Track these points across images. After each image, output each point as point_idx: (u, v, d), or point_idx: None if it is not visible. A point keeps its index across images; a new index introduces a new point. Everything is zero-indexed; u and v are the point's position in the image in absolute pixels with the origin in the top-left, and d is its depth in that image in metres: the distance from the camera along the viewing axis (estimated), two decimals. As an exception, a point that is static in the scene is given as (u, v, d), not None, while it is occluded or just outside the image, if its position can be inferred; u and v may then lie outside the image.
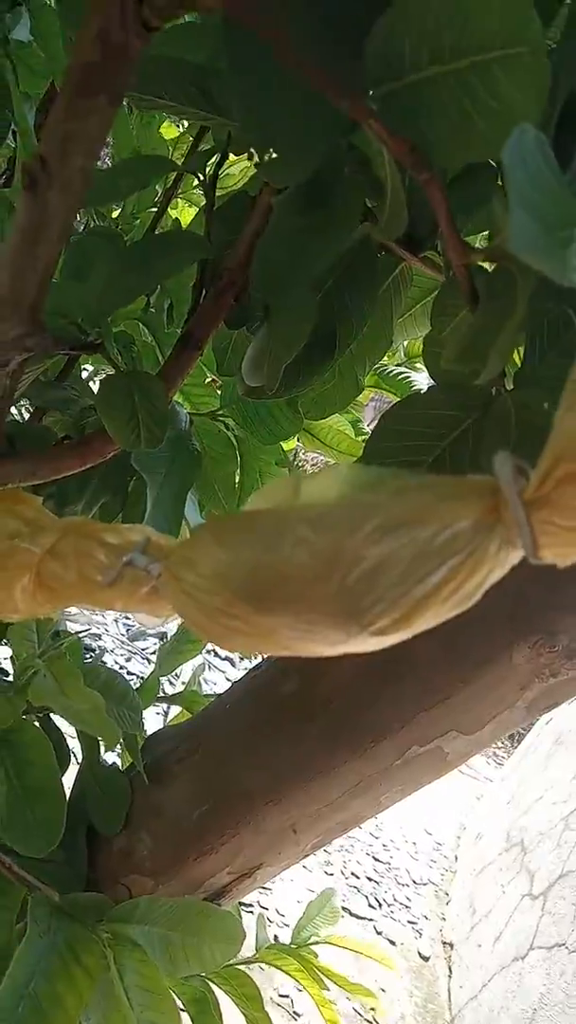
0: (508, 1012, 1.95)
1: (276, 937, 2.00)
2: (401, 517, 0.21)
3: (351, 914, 2.45)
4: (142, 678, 1.41)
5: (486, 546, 0.21)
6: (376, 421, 0.44)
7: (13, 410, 0.62)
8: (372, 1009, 1.99)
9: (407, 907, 2.62)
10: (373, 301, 0.53)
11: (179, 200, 1.11)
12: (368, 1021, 2.00)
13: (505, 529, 0.21)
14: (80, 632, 0.73)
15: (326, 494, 0.24)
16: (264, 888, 2.32)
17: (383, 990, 2.14)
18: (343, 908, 2.45)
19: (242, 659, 3.47)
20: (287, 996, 1.93)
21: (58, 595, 0.34)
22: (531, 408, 0.40)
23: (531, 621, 0.51)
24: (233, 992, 0.78)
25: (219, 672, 3.46)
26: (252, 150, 0.34)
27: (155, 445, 0.48)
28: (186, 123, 1.00)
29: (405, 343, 1.07)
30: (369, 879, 2.67)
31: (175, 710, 0.93)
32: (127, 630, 3.47)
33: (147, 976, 0.51)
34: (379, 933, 2.42)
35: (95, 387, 0.53)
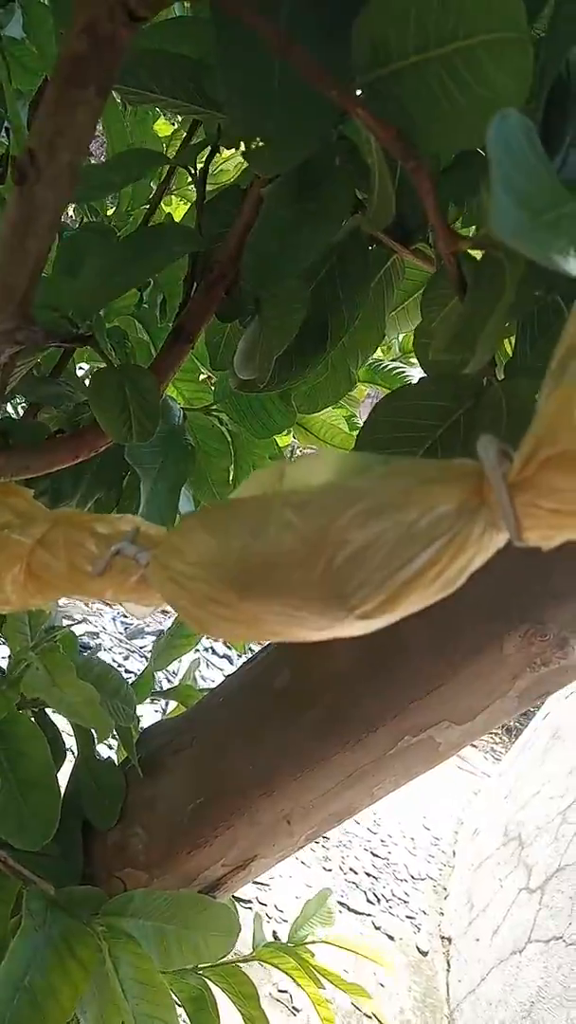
0: (506, 1005, 1.96)
1: (275, 933, 2.00)
2: (385, 501, 0.22)
3: (349, 909, 2.45)
4: (140, 676, 1.41)
5: (470, 529, 0.21)
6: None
7: (7, 407, 0.62)
8: (368, 1005, 2.00)
9: (405, 902, 2.63)
10: (365, 293, 0.53)
11: (173, 196, 1.11)
12: (367, 1016, 2.00)
13: (489, 512, 0.21)
14: (72, 625, 0.73)
15: (311, 480, 0.24)
16: (262, 884, 2.33)
17: (382, 985, 2.15)
18: (342, 904, 2.46)
19: (240, 656, 3.47)
20: (286, 991, 1.94)
21: (49, 585, 0.34)
22: (521, 397, 0.40)
23: (522, 611, 0.51)
24: (230, 990, 0.78)
25: (217, 669, 3.46)
26: (241, 139, 0.34)
27: (146, 438, 0.48)
28: (180, 118, 1.00)
29: (399, 338, 1.07)
30: (367, 874, 2.68)
31: (173, 706, 0.93)
32: (125, 628, 3.47)
33: (142, 969, 0.52)
34: (377, 928, 2.43)
35: (89, 383, 0.54)
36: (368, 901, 2.54)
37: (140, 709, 0.73)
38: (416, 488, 0.21)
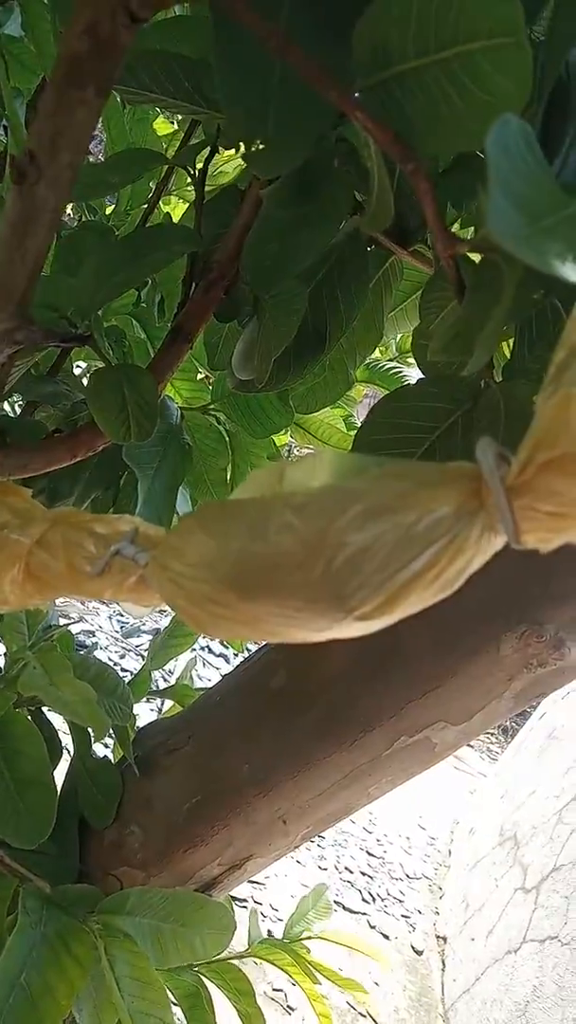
0: (501, 1005, 1.96)
1: (270, 932, 2.01)
2: (384, 503, 0.22)
3: (345, 908, 2.46)
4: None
5: (468, 531, 0.21)
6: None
7: (5, 405, 0.62)
8: (363, 1004, 2.00)
9: (401, 901, 2.63)
10: (363, 294, 0.53)
11: (172, 196, 1.11)
12: (361, 1015, 2.01)
13: (487, 515, 0.21)
14: (69, 624, 0.73)
15: (310, 481, 0.24)
16: (258, 883, 2.33)
17: (377, 984, 2.15)
18: (337, 903, 2.46)
19: (236, 655, 3.47)
20: (281, 990, 1.94)
21: (47, 585, 0.34)
22: (519, 399, 0.40)
23: (518, 612, 0.51)
24: (226, 987, 0.78)
25: (214, 669, 3.47)
26: (240, 141, 0.34)
27: (144, 438, 0.48)
28: (179, 118, 1.00)
29: (398, 338, 1.07)
30: (363, 874, 2.68)
31: (169, 705, 0.93)
32: (121, 627, 3.47)
33: (138, 967, 0.52)
34: (373, 927, 2.43)
35: (87, 382, 0.54)
36: (363, 900, 2.54)
37: (137, 708, 0.73)
38: (415, 491, 0.22)
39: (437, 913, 2.66)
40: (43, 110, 0.32)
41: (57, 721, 0.74)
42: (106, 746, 1.09)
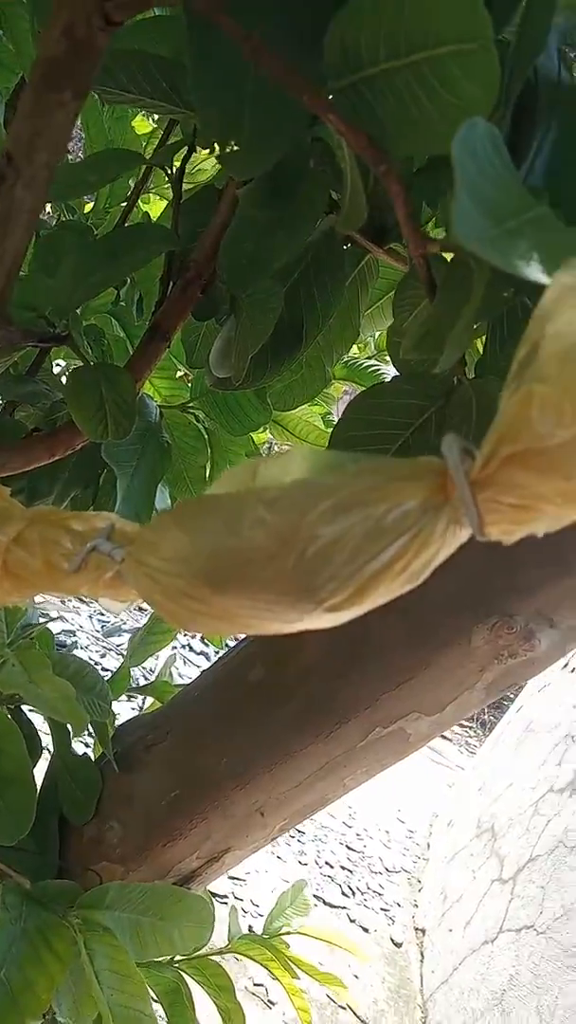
0: (478, 994, 1.99)
1: (251, 928, 2.01)
2: (354, 497, 0.22)
3: (325, 903, 2.47)
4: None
5: (435, 524, 0.22)
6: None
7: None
8: (342, 997, 2.01)
9: (380, 895, 2.65)
10: (339, 292, 0.54)
11: (151, 194, 1.11)
12: (341, 1007, 2.02)
13: (453, 508, 0.22)
14: (48, 622, 0.73)
15: (283, 477, 0.24)
16: (238, 879, 2.33)
17: (356, 977, 2.17)
18: (317, 897, 2.47)
19: (217, 652, 3.47)
20: (261, 985, 1.95)
21: (25, 583, 0.34)
22: (490, 396, 0.41)
23: (489, 604, 0.52)
24: (206, 982, 0.79)
25: (194, 666, 3.46)
26: (214, 143, 0.34)
27: (122, 436, 0.48)
28: (157, 117, 1.00)
29: (376, 336, 1.08)
30: (343, 868, 2.69)
31: (150, 702, 0.93)
32: (102, 626, 3.46)
33: (117, 960, 0.52)
34: (352, 921, 2.45)
35: (65, 381, 0.54)
36: (343, 894, 2.56)
37: (118, 707, 0.74)
38: (383, 485, 0.22)
39: (416, 905, 2.68)
40: (21, 112, 0.32)
41: (37, 721, 0.74)
42: (87, 745, 1.09)
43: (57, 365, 0.95)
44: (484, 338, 0.45)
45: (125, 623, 3.52)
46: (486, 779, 2.86)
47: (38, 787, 0.63)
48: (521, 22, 0.36)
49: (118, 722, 0.73)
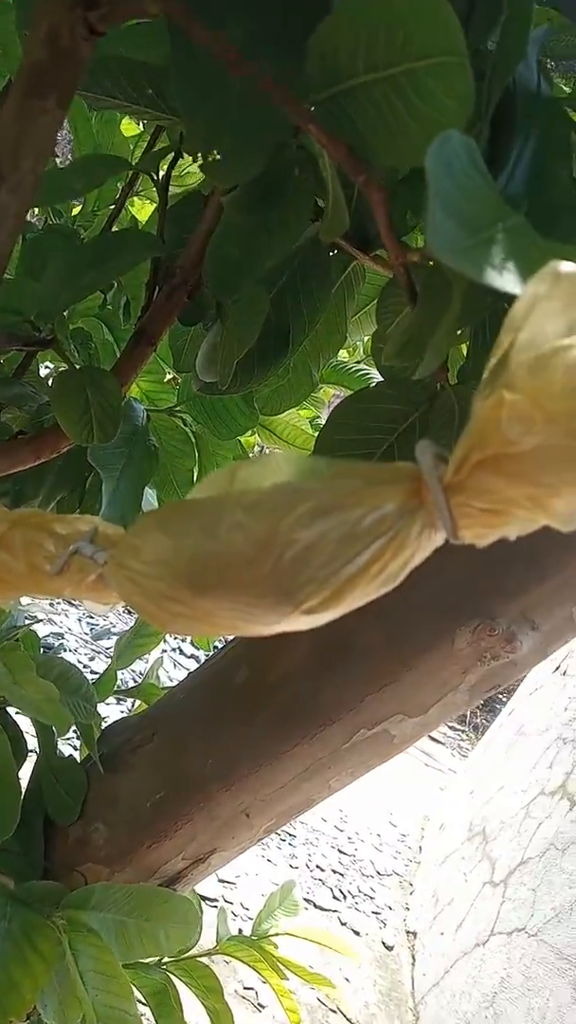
0: (469, 997, 1.99)
1: (240, 930, 2.01)
2: (331, 501, 0.23)
3: (316, 906, 2.47)
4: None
5: (410, 528, 0.22)
6: (329, 416, 0.45)
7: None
8: (334, 999, 2.01)
9: (371, 898, 2.65)
10: (325, 298, 0.55)
11: (137, 198, 1.11)
12: (332, 1011, 2.02)
13: (427, 512, 0.22)
14: (33, 623, 0.73)
15: (261, 481, 0.25)
16: (228, 882, 2.33)
17: (347, 980, 2.17)
18: (308, 901, 2.47)
19: (207, 655, 3.47)
20: (252, 988, 1.95)
21: (8, 585, 0.35)
22: (472, 401, 0.41)
23: (472, 606, 0.53)
24: (194, 984, 0.79)
25: (184, 669, 3.46)
26: (198, 151, 0.34)
27: (107, 440, 0.49)
28: (145, 121, 1.00)
29: (365, 340, 1.09)
30: (334, 871, 2.69)
31: (137, 705, 0.94)
32: (91, 629, 3.45)
33: (102, 961, 0.52)
34: (344, 924, 2.45)
35: (51, 385, 0.54)
36: (334, 897, 2.56)
37: (106, 709, 0.74)
38: (360, 489, 0.23)
39: (407, 908, 2.68)
40: (6, 116, 0.33)
41: (24, 723, 0.74)
42: (74, 747, 1.09)
43: (45, 368, 0.96)
44: (467, 344, 0.46)
45: (114, 626, 3.52)
46: (478, 782, 2.87)
47: (23, 788, 0.63)
48: (501, 33, 0.37)
49: (105, 724, 0.74)
